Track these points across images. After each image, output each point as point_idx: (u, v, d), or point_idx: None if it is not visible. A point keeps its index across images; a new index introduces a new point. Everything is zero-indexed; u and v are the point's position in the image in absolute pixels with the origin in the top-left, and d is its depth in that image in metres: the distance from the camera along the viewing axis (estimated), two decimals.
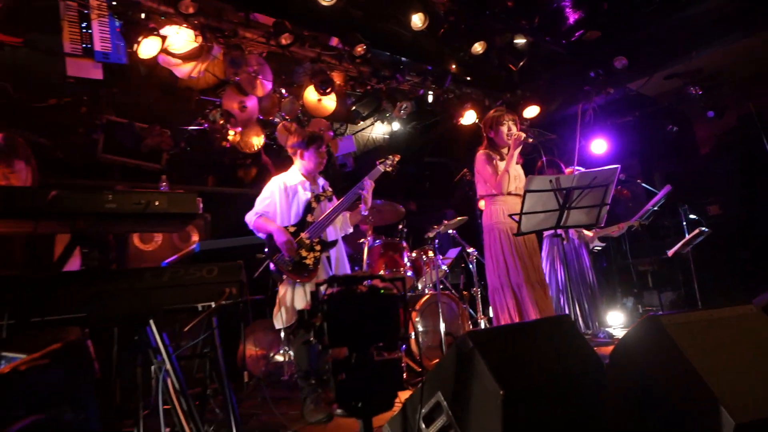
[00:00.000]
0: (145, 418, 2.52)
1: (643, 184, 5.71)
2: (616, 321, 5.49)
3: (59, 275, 1.75)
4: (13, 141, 2.20)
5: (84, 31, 3.72)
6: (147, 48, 3.61)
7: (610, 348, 4.22)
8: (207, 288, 2.07)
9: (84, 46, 3.73)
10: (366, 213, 3.49)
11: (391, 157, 3.60)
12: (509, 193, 3.69)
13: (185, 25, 3.72)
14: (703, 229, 4.91)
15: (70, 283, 1.77)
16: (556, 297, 4.68)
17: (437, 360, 3.65)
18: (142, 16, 3.54)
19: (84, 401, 1.28)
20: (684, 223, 5.33)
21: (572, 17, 5.61)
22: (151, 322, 2.02)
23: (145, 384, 3.16)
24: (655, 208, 4.92)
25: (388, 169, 3.56)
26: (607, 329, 4.98)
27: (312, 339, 1.33)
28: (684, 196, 5.45)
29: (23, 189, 1.74)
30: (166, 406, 2.27)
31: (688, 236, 4.96)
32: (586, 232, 4.97)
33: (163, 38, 3.67)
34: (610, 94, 6.10)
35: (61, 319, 1.74)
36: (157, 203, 1.95)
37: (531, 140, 3.65)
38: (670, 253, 5.04)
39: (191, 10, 3.47)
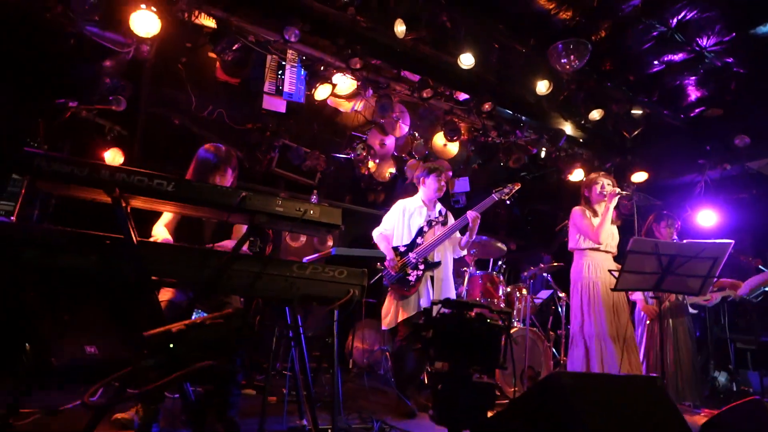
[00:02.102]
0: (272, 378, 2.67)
1: (760, 267, 4.80)
2: (705, 393, 4.63)
3: (236, 255, 1.94)
4: (229, 153, 2.52)
5: (279, 76, 4.21)
6: (321, 92, 3.97)
7: (698, 419, 3.57)
8: (336, 286, 2.11)
9: (277, 87, 4.22)
10: (468, 239, 3.32)
11: (510, 185, 3.35)
12: (598, 249, 3.39)
13: (351, 77, 4.01)
14: None
15: (242, 262, 1.96)
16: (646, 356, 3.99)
17: (515, 388, 3.40)
18: (322, 68, 3.89)
19: (239, 357, 1.38)
20: None
21: (694, 94, 5.02)
22: (292, 303, 2.14)
23: (276, 351, 3.37)
24: (767, 289, 4.10)
25: (503, 197, 3.32)
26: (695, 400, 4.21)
27: (420, 348, 1.31)
28: None
29: (225, 188, 1.96)
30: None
31: None
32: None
33: (334, 86, 4.00)
34: (727, 170, 5.30)
35: (230, 288, 1.93)
36: (311, 212, 2.08)
37: (625, 193, 3.38)
38: None
39: (358, 66, 3.74)
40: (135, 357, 1.07)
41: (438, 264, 3.29)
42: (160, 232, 2.40)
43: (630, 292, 4.03)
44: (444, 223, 3.37)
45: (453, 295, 3.43)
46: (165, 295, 2.31)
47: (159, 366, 1.02)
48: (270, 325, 3.67)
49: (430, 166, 3.46)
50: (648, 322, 4.00)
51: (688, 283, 2.80)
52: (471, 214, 3.23)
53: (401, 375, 3.10)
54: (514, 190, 3.35)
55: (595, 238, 3.36)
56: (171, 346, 1.04)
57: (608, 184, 3.45)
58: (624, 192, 3.36)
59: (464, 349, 1.26)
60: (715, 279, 2.80)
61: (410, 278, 3.17)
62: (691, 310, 4.23)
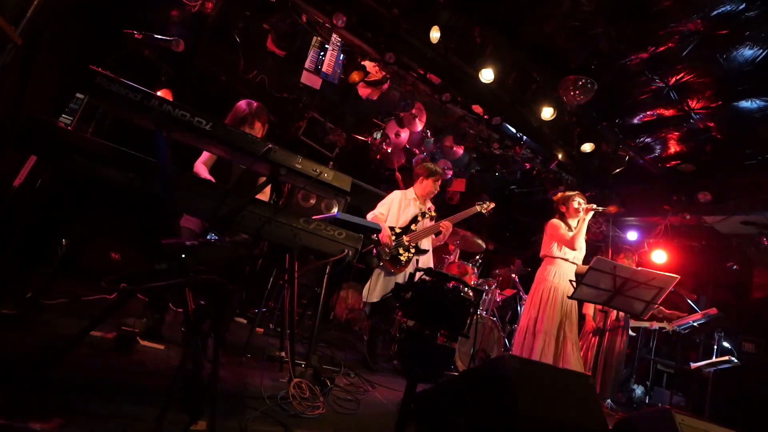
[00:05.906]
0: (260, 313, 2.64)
1: (689, 301, 4.82)
2: (623, 400, 4.70)
3: (253, 199, 1.91)
4: (260, 109, 2.47)
5: (320, 57, 4.09)
6: (354, 77, 3.87)
7: (612, 420, 3.61)
8: (334, 244, 2.09)
9: (316, 66, 4.11)
10: (438, 243, 3.39)
11: (488, 203, 3.46)
12: (566, 260, 3.25)
13: (383, 69, 3.91)
14: (733, 359, 3.99)
15: (257, 206, 1.93)
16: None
17: (470, 364, 3.42)
18: (359, 56, 3.78)
19: (238, 281, 1.35)
20: (715, 347, 4.41)
21: (674, 148, 4.94)
22: (293, 251, 2.11)
23: (271, 291, 3.36)
24: (695, 324, 4.11)
25: (483, 211, 3.42)
26: (610, 401, 4.27)
27: (397, 306, 1.29)
28: (722, 324, 4.51)
29: (254, 137, 1.91)
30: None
31: (715, 359, 4.07)
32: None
33: (366, 74, 3.90)
34: (685, 218, 5.27)
35: (243, 227, 1.90)
36: (326, 175, 2.04)
37: (602, 209, 3.16)
38: (693, 366, 4.16)
39: (392, 60, 3.64)
40: (150, 260, 1.05)
41: (426, 251, 3.28)
42: (201, 169, 2.37)
43: (584, 307, 4.05)
44: (432, 218, 3.34)
45: None
46: (184, 222, 2.29)
47: (170, 271, 1.00)
48: (269, 269, 3.66)
49: (432, 168, 3.33)
50: (589, 334, 4.04)
51: (634, 305, 2.78)
52: (445, 224, 3.18)
53: (372, 337, 3.08)
54: (490, 207, 3.45)
55: (572, 244, 3.19)
56: (183, 256, 1.02)
57: (583, 202, 3.34)
58: (600, 209, 3.15)
59: (436, 312, 1.24)
60: (656, 306, 2.78)
61: (401, 258, 3.14)
62: (630, 333, 4.26)
